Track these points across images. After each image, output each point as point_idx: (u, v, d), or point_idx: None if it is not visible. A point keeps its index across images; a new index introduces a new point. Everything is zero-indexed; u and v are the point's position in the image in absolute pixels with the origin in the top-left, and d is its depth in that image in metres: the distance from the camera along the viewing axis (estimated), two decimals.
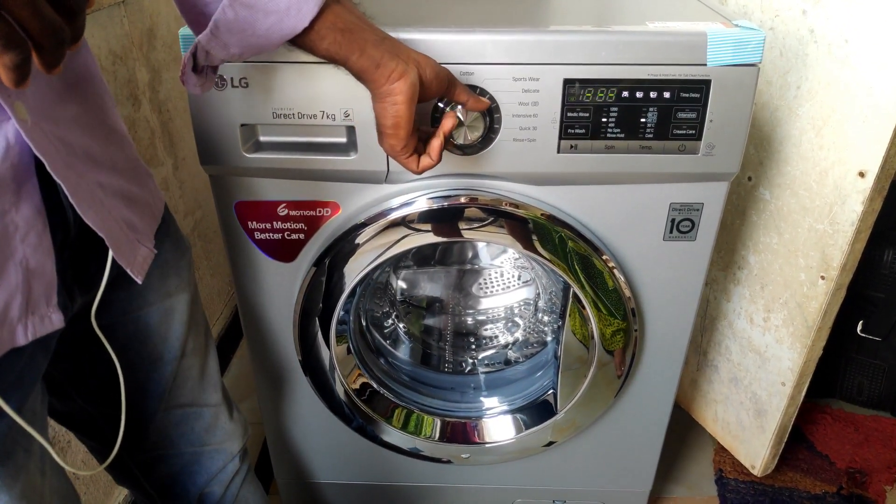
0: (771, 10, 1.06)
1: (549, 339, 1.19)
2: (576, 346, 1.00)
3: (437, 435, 1.10)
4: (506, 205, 0.87)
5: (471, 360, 1.24)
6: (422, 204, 0.87)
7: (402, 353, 1.23)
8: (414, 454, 1.13)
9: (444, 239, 0.90)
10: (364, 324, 1.15)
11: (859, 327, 1.47)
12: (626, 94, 0.78)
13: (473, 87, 0.77)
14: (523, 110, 0.79)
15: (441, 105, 0.75)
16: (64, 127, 0.53)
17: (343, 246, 0.89)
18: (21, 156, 0.48)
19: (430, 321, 1.29)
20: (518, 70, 0.77)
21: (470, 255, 1.28)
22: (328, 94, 0.78)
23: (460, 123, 0.74)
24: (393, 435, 1.10)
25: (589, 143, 0.81)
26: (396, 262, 1.24)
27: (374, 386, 1.07)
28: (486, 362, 1.24)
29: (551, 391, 1.08)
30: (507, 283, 1.28)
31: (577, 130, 0.80)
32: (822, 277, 1.10)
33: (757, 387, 1.30)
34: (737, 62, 0.76)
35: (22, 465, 0.55)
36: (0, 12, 0.33)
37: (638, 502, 1.24)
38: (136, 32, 1.25)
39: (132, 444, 0.77)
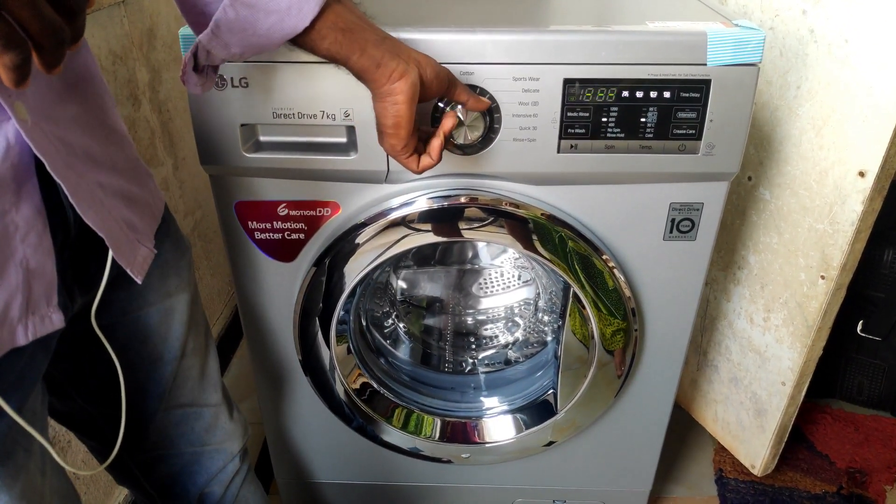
0: (771, 10, 1.06)
1: (549, 338, 1.19)
2: (576, 345, 1.00)
3: (438, 435, 1.11)
4: (506, 205, 0.87)
5: (471, 360, 1.24)
6: (422, 204, 0.87)
7: (403, 352, 1.23)
8: (414, 454, 1.13)
9: (445, 239, 0.90)
10: (364, 324, 1.15)
11: (859, 327, 1.47)
12: (626, 93, 0.78)
13: (473, 87, 0.77)
14: (523, 110, 0.79)
15: (441, 105, 0.75)
16: (64, 127, 0.53)
17: (343, 246, 0.89)
18: (21, 156, 0.48)
19: (430, 321, 1.29)
20: (518, 70, 0.77)
21: (470, 254, 1.28)
22: (328, 93, 0.78)
23: (460, 123, 0.75)
24: (393, 435, 1.10)
25: (589, 142, 0.81)
26: (396, 262, 1.24)
27: (375, 386, 1.07)
28: (486, 362, 1.24)
29: (551, 391, 1.08)
30: (507, 283, 1.28)
31: (577, 130, 0.80)
32: (822, 277, 1.10)
33: (757, 386, 1.30)
34: (737, 62, 0.76)
35: (22, 464, 0.55)
36: (0, 12, 0.33)
37: (638, 502, 1.24)
38: (136, 32, 1.25)
39: (132, 444, 0.77)
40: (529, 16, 0.91)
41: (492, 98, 0.78)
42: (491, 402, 1.13)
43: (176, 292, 0.73)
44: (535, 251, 0.90)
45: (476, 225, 0.88)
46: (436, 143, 0.69)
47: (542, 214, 0.88)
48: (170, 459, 0.81)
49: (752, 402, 1.32)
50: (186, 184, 1.48)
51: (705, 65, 0.77)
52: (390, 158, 0.82)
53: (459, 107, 0.73)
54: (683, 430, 1.50)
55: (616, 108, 0.79)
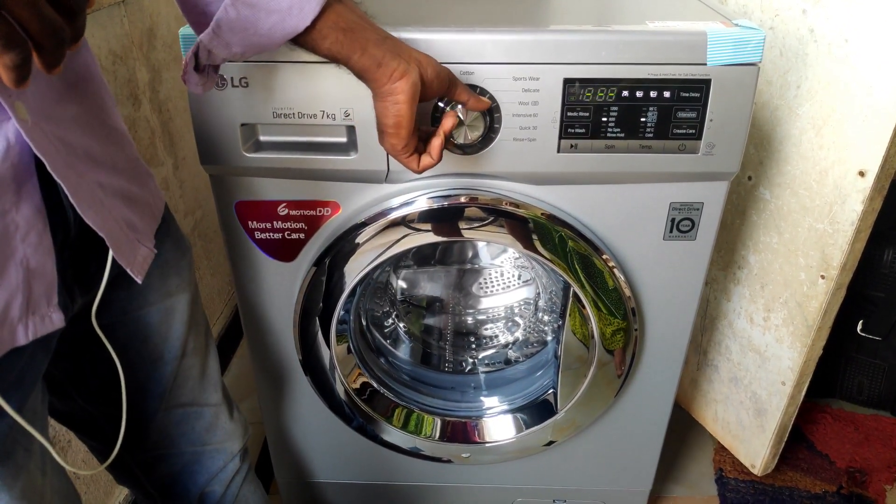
0: (771, 10, 1.06)
1: (549, 338, 1.19)
2: (576, 345, 1.00)
3: (438, 434, 1.11)
4: (506, 204, 0.87)
5: (471, 360, 1.24)
6: (422, 203, 0.87)
7: (403, 352, 1.23)
8: (414, 454, 1.13)
9: (445, 238, 0.90)
10: (364, 323, 1.15)
11: (859, 327, 1.47)
12: (626, 93, 0.78)
13: (473, 87, 0.77)
14: (523, 110, 0.79)
15: (441, 105, 0.75)
16: (64, 127, 0.53)
17: (343, 245, 0.89)
18: (21, 155, 0.48)
19: (430, 321, 1.29)
20: (518, 69, 0.77)
21: (470, 254, 1.28)
22: (328, 93, 0.78)
23: (460, 123, 0.75)
24: (393, 434, 1.10)
25: (589, 142, 0.81)
26: (396, 262, 1.24)
27: (375, 385, 1.07)
28: (486, 362, 1.24)
29: (551, 391, 1.08)
30: (507, 283, 1.28)
31: (577, 130, 0.80)
32: (822, 277, 1.10)
33: (757, 386, 1.30)
34: (737, 61, 0.76)
35: (22, 464, 0.55)
36: (0, 12, 0.33)
37: (638, 502, 1.24)
38: (137, 32, 1.25)
39: (133, 444, 0.77)
40: (529, 15, 0.91)
41: (492, 98, 0.78)
42: (491, 402, 1.13)
43: (176, 292, 0.73)
44: (535, 251, 0.90)
45: (476, 224, 0.88)
46: (436, 142, 0.69)
47: (542, 214, 0.88)
48: (170, 459, 0.81)
49: (752, 402, 1.32)
50: (186, 183, 1.48)
51: (705, 64, 0.77)
52: (390, 158, 0.82)
53: (459, 106, 0.73)
54: (683, 429, 1.50)
55: (616, 108, 0.79)
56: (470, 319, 1.29)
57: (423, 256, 1.26)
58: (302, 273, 0.93)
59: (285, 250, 0.93)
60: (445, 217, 0.87)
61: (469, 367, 1.23)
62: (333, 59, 0.62)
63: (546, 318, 1.23)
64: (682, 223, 0.90)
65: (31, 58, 0.36)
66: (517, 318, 1.28)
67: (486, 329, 1.28)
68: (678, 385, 1.07)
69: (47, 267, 0.52)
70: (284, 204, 0.89)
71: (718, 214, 0.89)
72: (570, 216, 0.89)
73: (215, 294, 1.69)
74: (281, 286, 0.96)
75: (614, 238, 0.91)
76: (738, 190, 1.21)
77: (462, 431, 1.11)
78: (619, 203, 0.88)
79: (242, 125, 0.81)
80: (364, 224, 0.88)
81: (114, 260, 0.58)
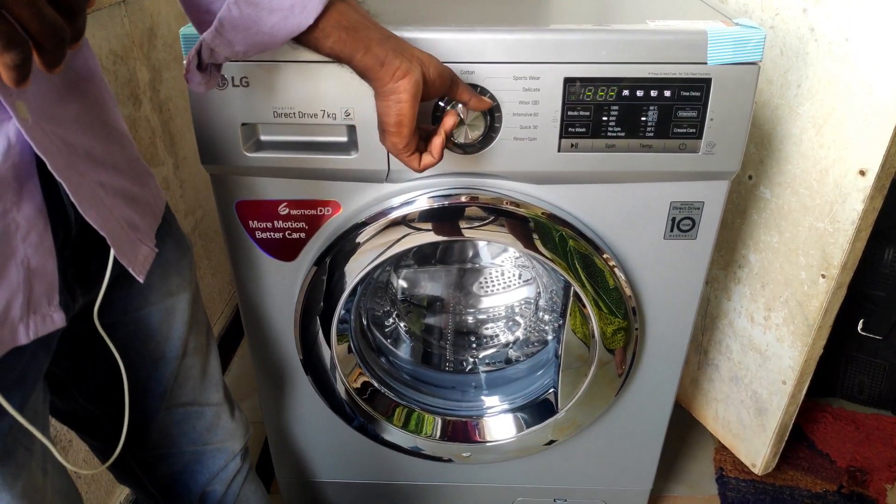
0: (771, 9, 1.06)
1: (549, 337, 1.19)
2: (576, 344, 1.00)
3: (438, 434, 1.11)
4: (506, 204, 0.87)
5: (471, 359, 1.25)
6: (422, 203, 0.87)
7: (403, 352, 1.23)
8: (415, 453, 1.13)
9: (445, 238, 0.90)
10: (365, 323, 1.15)
11: (860, 326, 1.47)
12: (626, 92, 0.78)
13: (474, 86, 0.77)
14: (524, 109, 0.79)
15: (442, 104, 0.75)
16: (65, 126, 0.53)
17: (344, 245, 0.89)
18: (22, 155, 0.48)
19: (430, 320, 1.29)
20: (519, 69, 0.77)
21: (470, 253, 1.28)
22: (329, 93, 0.78)
23: (461, 122, 0.75)
24: (394, 434, 1.11)
25: (589, 141, 0.81)
26: (397, 261, 1.24)
27: (375, 385, 1.07)
28: (486, 361, 1.24)
29: (552, 390, 1.08)
30: (507, 282, 1.28)
31: (577, 129, 0.80)
32: (823, 276, 1.10)
33: (758, 385, 1.30)
34: (737, 60, 0.76)
35: (23, 464, 0.55)
36: (0, 12, 0.33)
37: (639, 501, 1.24)
38: (137, 32, 1.25)
39: (134, 443, 0.77)
40: (530, 15, 0.91)
41: (492, 97, 0.78)
42: (491, 401, 1.13)
43: (177, 291, 0.73)
44: (536, 250, 0.90)
45: (477, 224, 0.88)
46: (437, 141, 0.69)
47: (542, 213, 0.88)
48: (171, 458, 0.81)
49: (753, 401, 1.32)
50: (187, 183, 1.48)
51: (706, 63, 0.77)
52: (391, 157, 0.82)
53: (460, 105, 0.73)
54: (684, 428, 1.50)
55: (616, 107, 0.79)
56: (470, 319, 1.29)
57: (423, 256, 1.26)
58: (302, 272, 0.93)
59: (286, 250, 0.93)
60: (446, 216, 0.87)
61: (470, 367, 1.23)
62: (336, 58, 0.62)
63: (546, 317, 1.23)
64: (682, 222, 0.90)
65: (32, 57, 0.36)
66: (518, 318, 1.28)
67: (487, 328, 1.28)
68: (679, 384, 1.07)
69: (48, 266, 0.52)
70: (285, 203, 0.89)
71: (719, 213, 0.89)
72: (570, 215, 0.89)
73: (216, 294, 1.69)
74: (281, 286, 0.96)
75: (615, 237, 0.91)
76: (738, 189, 1.21)
77: (463, 431, 1.11)
78: (620, 202, 0.88)
79: (243, 125, 0.81)
80: (365, 223, 0.88)
81: (115, 259, 0.58)
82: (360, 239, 0.88)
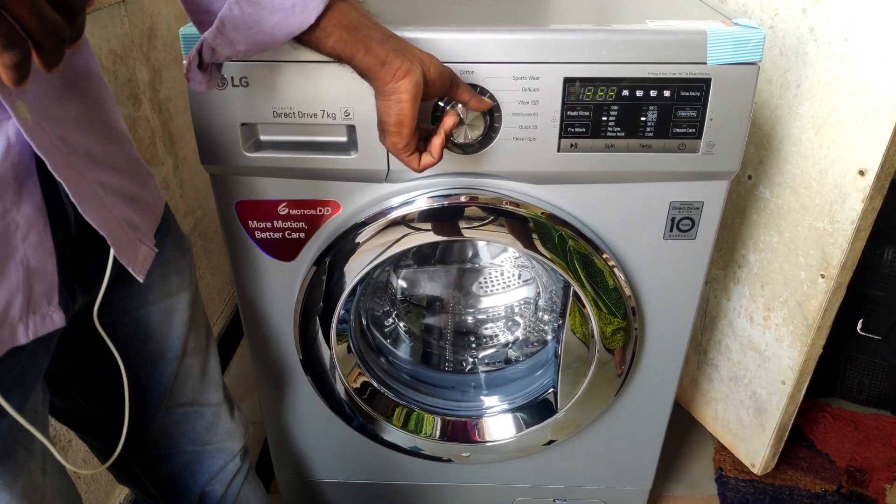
0: (771, 9, 1.06)
1: (549, 337, 1.19)
2: (576, 344, 1.00)
3: (438, 434, 1.11)
4: (506, 204, 0.87)
5: (471, 359, 1.25)
6: (422, 203, 0.87)
7: (403, 351, 1.23)
8: (414, 453, 1.13)
9: (445, 238, 0.90)
10: (364, 323, 1.15)
11: (859, 326, 1.47)
12: (626, 92, 0.78)
13: (474, 86, 0.77)
14: (523, 109, 0.79)
15: (441, 104, 0.75)
16: (65, 126, 0.53)
17: (343, 245, 0.89)
18: (22, 155, 0.48)
19: (430, 320, 1.29)
20: (518, 69, 0.77)
21: (470, 253, 1.28)
22: (328, 93, 0.78)
23: (461, 122, 0.75)
24: (393, 434, 1.11)
25: (589, 141, 0.81)
26: (397, 261, 1.24)
27: (375, 385, 1.07)
28: (486, 361, 1.24)
29: (551, 390, 1.08)
30: (507, 282, 1.28)
31: (577, 129, 0.80)
32: (822, 276, 1.10)
33: (757, 385, 1.30)
34: (737, 60, 0.76)
35: (23, 463, 0.55)
36: (0, 11, 0.33)
37: (638, 501, 1.24)
38: (137, 32, 1.25)
39: (134, 443, 0.77)
40: (530, 15, 0.91)
41: (492, 97, 0.78)
42: (491, 401, 1.13)
43: (177, 291, 0.73)
44: (536, 250, 0.90)
45: (476, 224, 0.88)
46: (437, 141, 0.70)
47: (542, 213, 0.88)
48: (171, 458, 0.81)
49: (752, 401, 1.32)
50: (187, 183, 1.48)
51: (705, 63, 0.77)
52: (391, 157, 0.82)
53: (460, 105, 0.73)
54: (683, 428, 1.51)
55: (616, 107, 0.79)
56: (470, 319, 1.29)
57: (423, 256, 1.26)
58: (302, 272, 0.93)
59: (285, 250, 0.93)
60: (445, 216, 0.87)
61: (469, 367, 1.23)
62: (337, 58, 0.62)
63: (546, 317, 1.23)
64: (682, 222, 0.90)
65: (31, 57, 0.36)
66: (517, 318, 1.28)
67: (487, 328, 1.28)
68: (678, 384, 1.07)
69: (48, 266, 0.52)
70: (285, 203, 0.89)
71: (718, 213, 0.89)
72: (570, 215, 0.89)
73: (215, 294, 1.69)
74: (281, 286, 0.96)
75: (614, 237, 0.91)
76: (738, 189, 1.21)
77: (462, 431, 1.11)
78: (620, 202, 0.88)
79: (243, 125, 0.81)
80: (364, 223, 0.88)
81: (115, 259, 0.58)
82: (359, 239, 0.88)
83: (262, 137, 0.83)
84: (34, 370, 0.55)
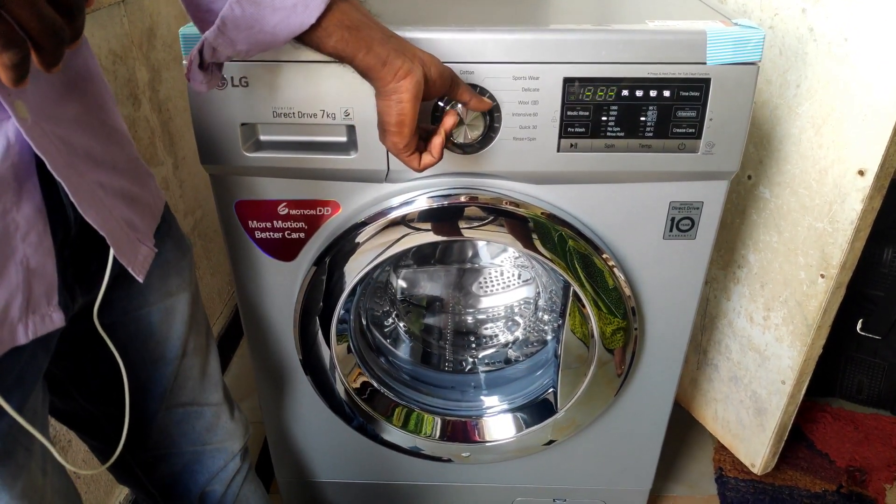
0: (770, 9, 1.06)
1: (549, 337, 1.19)
2: (576, 344, 1.00)
3: (438, 434, 1.11)
4: (506, 204, 0.87)
5: (471, 359, 1.25)
6: (422, 203, 0.87)
7: (403, 352, 1.23)
8: (414, 453, 1.13)
9: (445, 238, 0.90)
10: (364, 323, 1.15)
11: (859, 326, 1.47)
12: (625, 92, 0.78)
13: (474, 86, 0.77)
14: (523, 109, 0.79)
15: (441, 104, 0.75)
16: (64, 126, 0.53)
17: (343, 245, 0.89)
18: (21, 155, 0.48)
19: (430, 320, 1.29)
20: (518, 69, 0.77)
21: (470, 253, 1.28)
22: (328, 93, 0.78)
23: (461, 122, 0.75)
24: (393, 434, 1.11)
25: (589, 141, 0.81)
26: (396, 261, 1.24)
27: (375, 385, 1.07)
28: (486, 361, 1.24)
29: (551, 390, 1.08)
30: (507, 282, 1.28)
31: (576, 129, 0.80)
32: (822, 276, 1.10)
33: (757, 385, 1.30)
34: (736, 61, 0.76)
35: (23, 464, 0.55)
36: None
37: (638, 501, 1.24)
38: (136, 32, 1.25)
39: (134, 444, 0.77)
40: (529, 15, 0.91)
41: (492, 97, 0.78)
42: (491, 401, 1.13)
43: (177, 292, 0.73)
44: (535, 250, 0.90)
45: (476, 224, 0.88)
46: (437, 141, 0.70)
47: (541, 213, 0.88)
48: (171, 458, 0.81)
49: (752, 401, 1.32)
50: (186, 183, 1.48)
51: (705, 63, 0.77)
52: (390, 157, 0.82)
53: (460, 105, 0.73)
54: (683, 428, 1.51)
55: (616, 107, 0.79)
56: (470, 319, 1.29)
57: (423, 256, 1.26)
58: (302, 272, 0.93)
59: (285, 250, 0.93)
60: (445, 216, 0.87)
61: (469, 367, 1.23)
62: (338, 58, 0.62)
63: (546, 317, 1.23)
64: (681, 222, 0.90)
65: (30, 57, 0.36)
66: (517, 318, 1.28)
67: (486, 328, 1.28)
68: (678, 384, 1.07)
69: (47, 267, 0.52)
70: (284, 203, 0.89)
71: (718, 213, 0.89)
72: (569, 215, 0.89)
73: (215, 294, 1.69)
74: (281, 286, 0.96)
75: (614, 237, 0.91)
76: (737, 189, 1.21)
77: (462, 431, 1.11)
78: (619, 202, 0.88)
79: (242, 125, 0.81)
80: (364, 223, 0.88)
81: (115, 259, 0.58)
82: (359, 239, 0.88)
83: (262, 137, 0.83)
84: (34, 370, 0.55)
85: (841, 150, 1.02)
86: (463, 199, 0.87)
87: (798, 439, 1.48)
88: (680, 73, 0.77)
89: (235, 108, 0.79)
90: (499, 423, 1.11)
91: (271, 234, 0.91)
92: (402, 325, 1.27)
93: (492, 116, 0.79)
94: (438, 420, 1.11)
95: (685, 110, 0.79)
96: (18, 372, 0.53)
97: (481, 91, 0.78)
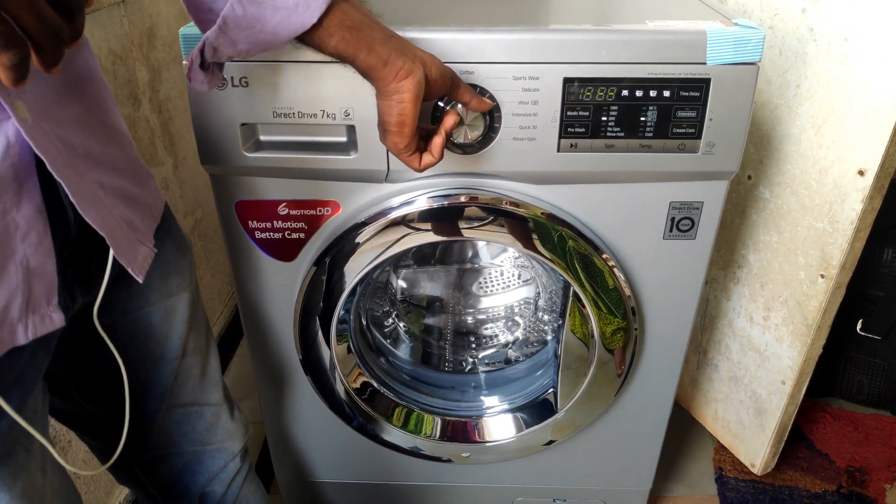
0: (770, 9, 1.06)
1: (549, 337, 1.19)
2: (576, 344, 1.00)
3: (438, 434, 1.11)
4: (506, 204, 0.87)
5: (471, 359, 1.25)
6: (422, 203, 0.87)
7: (403, 352, 1.23)
8: (414, 453, 1.13)
9: (445, 238, 0.90)
10: (364, 323, 1.15)
11: (859, 326, 1.47)
12: (625, 92, 0.78)
13: (474, 86, 0.77)
14: (523, 109, 0.79)
15: (441, 104, 0.75)
16: (65, 126, 0.53)
17: (343, 245, 0.89)
18: (21, 155, 0.48)
19: (430, 320, 1.29)
20: (518, 69, 0.77)
21: (470, 254, 1.28)
22: (328, 93, 0.78)
23: (461, 122, 0.75)
24: (393, 434, 1.11)
25: (589, 141, 0.81)
26: (396, 262, 1.24)
27: (375, 385, 1.07)
28: (486, 361, 1.24)
29: (551, 390, 1.08)
30: (507, 282, 1.28)
31: (576, 129, 0.80)
32: (822, 276, 1.10)
33: (757, 385, 1.30)
34: (736, 61, 0.76)
35: (23, 464, 0.55)
36: None
37: (638, 501, 1.24)
38: (136, 32, 1.25)
39: (134, 444, 0.77)
40: (529, 15, 0.91)
41: (492, 97, 0.78)
42: (491, 401, 1.13)
43: (177, 292, 0.73)
44: (535, 250, 0.90)
45: (476, 224, 0.88)
46: (437, 141, 0.70)
47: (541, 213, 0.88)
48: (171, 459, 0.81)
49: (752, 401, 1.32)
50: (186, 183, 1.48)
51: (705, 64, 0.77)
52: (391, 157, 0.82)
53: (460, 105, 0.73)
54: (683, 428, 1.51)
55: (616, 108, 0.79)
56: (470, 319, 1.29)
57: (423, 256, 1.26)
58: (302, 273, 0.93)
59: (285, 250, 0.93)
60: (445, 216, 0.87)
61: (469, 367, 1.23)
62: (339, 58, 0.62)
63: (546, 317, 1.23)
64: (681, 222, 0.90)
65: (30, 57, 0.36)
66: (517, 318, 1.28)
67: (486, 328, 1.28)
68: (678, 384, 1.07)
69: (47, 267, 0.52)
70: (284, 203, 0.89)
71: (718, 214, 0.89)
72: (569, 215, 0.89)
73: (215, 294, 1.69)
74: (281, 286, 0.96)
75: (614, 237, 0.91)
76: (737, 189, 1.21)
77: (462, 431, 1.11)
78: (619, 202, 0.88)
79: (242, 125, 0.81)
80: (364, 224, 0.88)
81: (114, 259, 0.58)
82: (359, 239, 0.88)
83: (262, 137, 0.83)
84: (34, 370, 0.55)
85: (841, 151, 1.02)
86: (463, 199, 0.87)
87: (798, 439, 1.48)
88: (680, 74, 0.77)
89: (235, 109, 0.79)
90: (499, 424, 1.11)
91: (271, 234, 0.91)
92: (402, 325, 1.27)
93: (492, 116, 0.79)
94: (438, 420, 1.11)
95: (685, 110, 0.79)
96: (18, 372, 0.53)
97: (481, 91, 0.78)
